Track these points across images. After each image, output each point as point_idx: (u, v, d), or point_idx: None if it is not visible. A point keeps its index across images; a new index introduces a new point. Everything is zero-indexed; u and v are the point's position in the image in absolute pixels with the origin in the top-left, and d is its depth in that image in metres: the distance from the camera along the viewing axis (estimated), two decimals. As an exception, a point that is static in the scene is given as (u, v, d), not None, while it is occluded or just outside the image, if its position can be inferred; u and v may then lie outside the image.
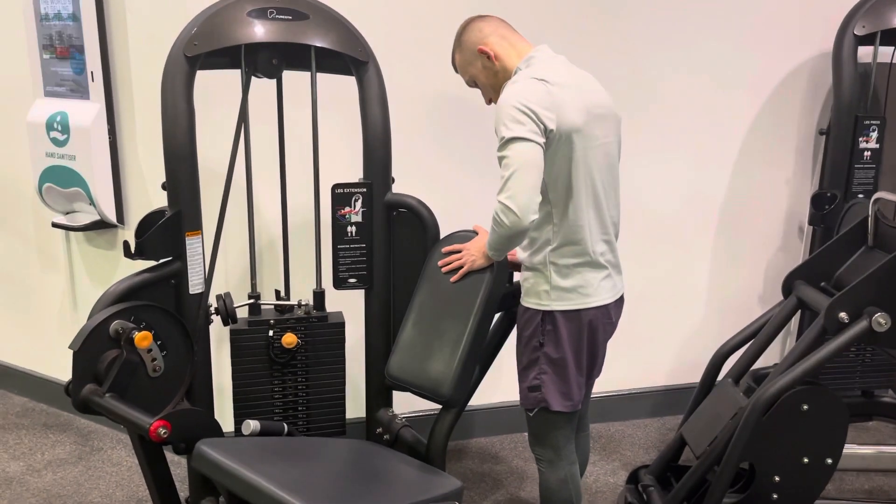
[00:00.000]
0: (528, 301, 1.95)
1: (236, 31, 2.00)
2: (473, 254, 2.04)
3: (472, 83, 2.04)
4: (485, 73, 1.98)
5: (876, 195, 2.40)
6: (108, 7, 2.53)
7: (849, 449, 2.63)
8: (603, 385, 3.12)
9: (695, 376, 3.16)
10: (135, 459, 2.75)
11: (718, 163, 3.04)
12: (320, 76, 2.15)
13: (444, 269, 2.09)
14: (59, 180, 2.68)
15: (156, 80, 2.40)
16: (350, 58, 2.10)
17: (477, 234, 2.09)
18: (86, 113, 2.58)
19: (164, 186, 2.05)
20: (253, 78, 2.12)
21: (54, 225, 2.75)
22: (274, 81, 2.18)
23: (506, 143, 1.75)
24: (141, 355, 1.88)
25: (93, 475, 2.68)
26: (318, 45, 2.06)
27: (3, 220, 3.06)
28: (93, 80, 2.57)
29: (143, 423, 1.68)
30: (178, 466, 2.43)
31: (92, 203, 2.64)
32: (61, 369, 3.05)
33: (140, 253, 1.97)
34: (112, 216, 2.67)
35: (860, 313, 2.21)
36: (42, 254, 3.01)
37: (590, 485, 2.68)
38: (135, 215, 2.71)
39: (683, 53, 2.88)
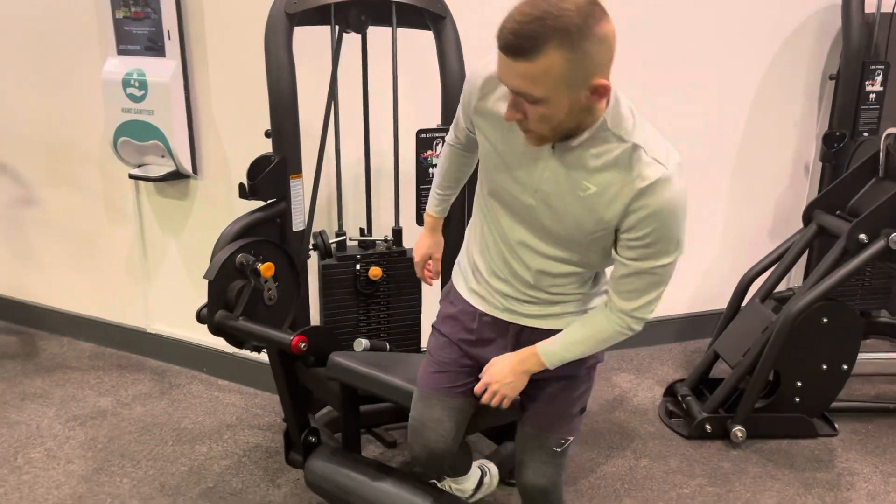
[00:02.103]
0: None
1: (332, -10, 2.20)
2: (505, 381, 1.64)
3: (530, 100, 1.34)
4: (569, 110, 1.35)
5: (888, 131, 2.71)
6: (181, -31, 2.69)
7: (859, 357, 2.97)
8: (632, 314, 3.43)
9: (713, 304, 3.51)
10: (212, 392, 3.01)
11: (735, 107, 3.32)
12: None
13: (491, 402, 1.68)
14: (136, 134, 2.85)
15: (228, 38, 2.63)
16: (429, 13, 2.31)
17: None
18: (163, 70, 2.74)
19: (267, 134, 2.27)
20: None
21: (131, 177, 2.92)
22: (358, 38, 2.38)
23: (675, 257, 1.47)
24: (262, 285, 2.11)
25: (179, 406, 2.91)
26: (403, 0, 2.27)
27: (69, 175, 3.22)
28: (169, 39, 2.73)
29: (285, 338, 1.93)
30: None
31: (170, 155, 2.82)
32: (129, 315, 3.28)
33: (253, 194, 2.19)
34: (189, 168, 2.86)
35: (878, 234, 2.53)
36: (109, 206, 3.19)
37: (630, 399, 3.00)
38: (208, 166, 2.90)
39: (704, 5, 3.12)
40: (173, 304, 3.18)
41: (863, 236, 2.54)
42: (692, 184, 3.29)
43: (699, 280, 3.50)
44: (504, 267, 1.64)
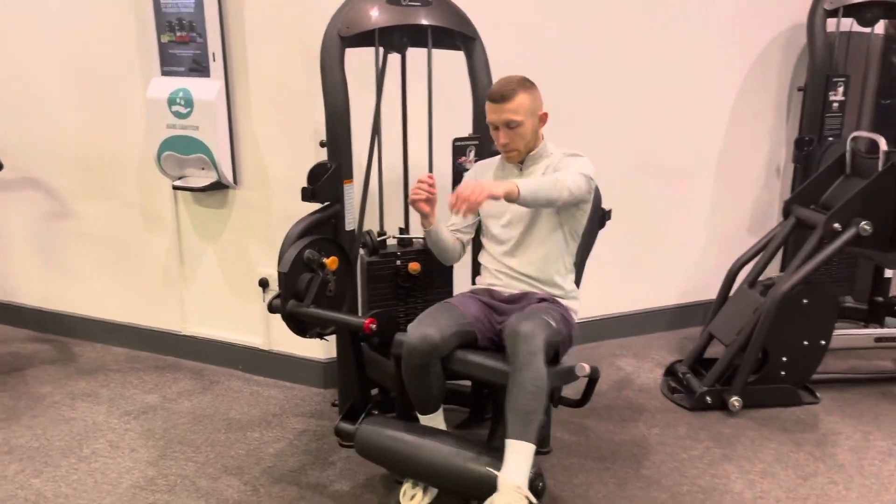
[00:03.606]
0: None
1: (379, 15, 2.49)
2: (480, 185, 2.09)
3: (511, 125, 2.28)
4: (531, 131, 2.33)
5: (853, 134, 3.11)
6: (226, -1, 2.96)
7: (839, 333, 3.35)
8: (626, 305, 3.78)
9: (701, 295, 3.87)
10: (251, 387, 3.24)
11: (716, 116, 3.71)
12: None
13: (456, 206, 2.08)
14: (180, 148, 3.08)
15: (269, 59, 2.92)
16: (462, 35, 2.62)
17: None
18: (209, 89, 3.00)
19: (322, 144, 2.54)
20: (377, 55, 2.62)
21: (175, 188, 3.16)
22: (398, 58, 2.68)
23: (585, 159, 2.34)
24: (327, 277, 2.38)
25: (224, 400, 3.13)
26: (441, 25, 2.57)
27: (108, 189, 3.43)
28: (214, 60, 2.99)
29: (358, 321, 2.19)
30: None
31: (214, 167, 3.06)
32: (165, 319, 3.50)
33: (314, 197, 2.46)
34: (230, 177, 3.11)
35: (850, 223, 2.90)
36: (147, 217, 3.41)
37: (634, 380, 3.32)
38: (248, 177, 3.15)
39: (686, 25, 3.51)
40: (209, 307, 3.40)
41: (837, 225, 2.91)
42: (680, 188, 3.69)
43: (687, 273, 3.86)
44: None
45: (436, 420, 2.29)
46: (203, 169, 3.13)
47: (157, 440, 2.81)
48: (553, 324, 2.18)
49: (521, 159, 2.38)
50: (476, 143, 2.68)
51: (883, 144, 2.92)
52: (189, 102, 3.02)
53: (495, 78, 2.70)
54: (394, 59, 2.70)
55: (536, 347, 2.03)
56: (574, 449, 2.75)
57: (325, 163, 2.52)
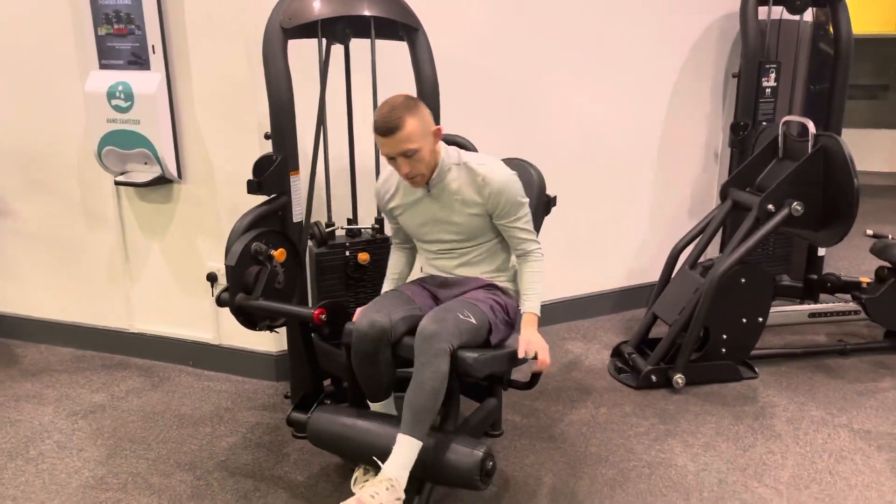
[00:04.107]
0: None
1: (322, 6, 2.49)
2: (539, 344, 2.26)
3: (408, 154, 2.14)
4: (429, 151, 2.20)
5: (784, 118, 3.23)
6: (163, -11, 2.92)
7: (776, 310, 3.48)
8: (573, 290, 3.87)
9: (644, 277, 3.98)
10: (203, 382, 3.22)
11: (656, 103, 3.80)
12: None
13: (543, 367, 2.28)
14: (122, 143, 3.03)
15: (211, 51, 2.89)
16: (404, 26, 2.64)
17: None
18: (149, 82, 2.95)
19: (267, 136, 2.53)
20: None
21: (117, 183, 3.11)
22: (342, 49, 2.69)
23: (527, 205, 2.35)
24: (275, 269, 2.38)
25: (174, 396, 3.11)
26: (383, 16, 2.59)
27: (47, 186, 3.36)
28: (153, 53, 2.94)
29: (307, 311, 2.21)
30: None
31: (158, 162, 3.02)
32: (111, 317, 3.45)
33: (261, 189, 2.46)
34: (174, 172, 3.07)
35: (782, 204, 3.02)
36: (89, 214, 3.34)
37: (583, 362, 3.41)
38: (192, 171, 3.11)
39: (624, 16, 3.59)
40: (157, 303, 3.36)
41: (770, 206, 3.03)
42: (622, 174, 3.78)
43: (631, 257, 3.96)
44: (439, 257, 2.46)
45: (387, 407, 2.32)
46: (146, 164, 3.09)
47: (107, 439, 2.78)
48: (472, 319, 2.17)
49: (427, 181, 2.28)
50: (421, 132, 2.70)
51: (812, 128, 3.04)
52: (129, 96, 2.97)
53: (441, 67, 2.74)
54: (339, 49, 2.71)
55: (439, 349, 2.06)
56: (525, 430, 2.82)
57: (270, 155, 2.52)
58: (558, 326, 3.80)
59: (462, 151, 2.34)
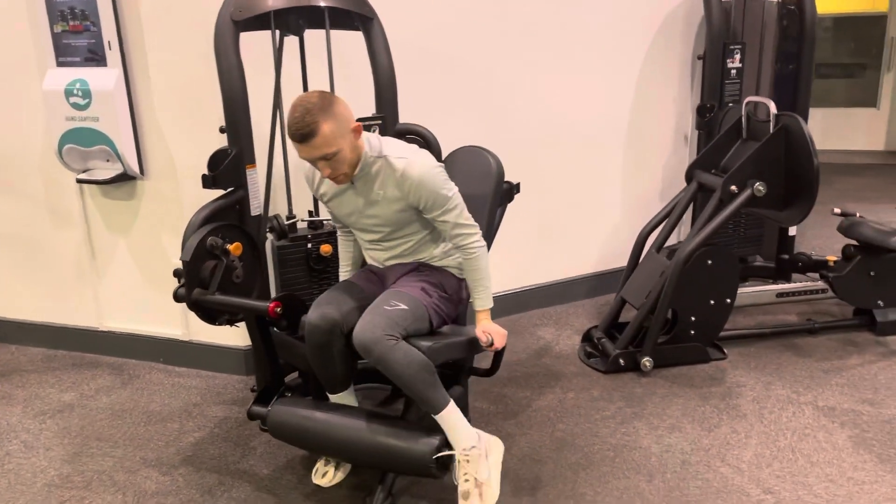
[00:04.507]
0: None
1: (272, -2, 2.48)
2: (495, 330, 2.28)
3: (329, 157, 2.07)
4: (350, 149, 2.11)
5: (747, 99, 3.23)
6: (117, -17, 2.89)
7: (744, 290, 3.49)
8: (545, 276, 3.87)
9: (618, 262, 3.99)
10: (173, 378, 3.22)
11: (623, 87, 3.80)
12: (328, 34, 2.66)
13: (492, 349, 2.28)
14: (82, 141, 3.02)
15: (168, 46, 2.86)
16: (359, 15, 2.62)
17: None
18: (106, 78, 2.93)
19: (221, 130, 2.52)
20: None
21: (79, 181, 3.09)
22: (297, 40, 2.67)
23: (455, 196, 2.23)
24: (232, 263, 2.37)
25: (144, 393, 3.10)
26: (335, 6, 2.57)
27: (10, 185, 3.34)
28: (110, 49, 2.92)
29: (262, 305, 2.20)
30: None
31: (118, 159, 3.01)
32: (80, 316, 3.44)
33: (215, 184, 2.44)
34: (136, 168, 3.05)
35: (745, 185, 3.03)
36: (53, 212, 3.32)
37: (553, 347, 3.41)
38: (155, 167, 3.10)
39: (585, 2, 3.58)
40: (125, 301, 3.35)
41: (733, 188, 3.04)
42: (591, 159, 3.78)
43: (603, 242, 3.97)
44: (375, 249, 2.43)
45: (346, 398, 2.32)
46: (108, 161, 3.07)
47: (74, 438, 2.78)
48: (401, 306, 2.14)
49: (351, 179, 2.21)
50: (379, 122, 2.69)
51: (773, 108, 3.04)
52: (87, 93, 2.95)
53: (399, 56, 2.73)
54: (294, 40, 2.69)
55: (383, 350, 2.05)
56: (492, 417, 2.82)
57: (225, 149, 2.50)
58: (532, 313, 3.81)
59: (384, 141, 2.25)
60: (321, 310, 2.17)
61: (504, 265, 3.70)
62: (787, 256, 3.92)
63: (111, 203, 3.23)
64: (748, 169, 3.02)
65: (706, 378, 3.08)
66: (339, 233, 2.61)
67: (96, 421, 2.90)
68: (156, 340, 3.34)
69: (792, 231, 3.92)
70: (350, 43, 2.74)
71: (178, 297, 2.34)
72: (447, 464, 2.06)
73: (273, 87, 2.61)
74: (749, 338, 3.41)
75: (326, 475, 2.25)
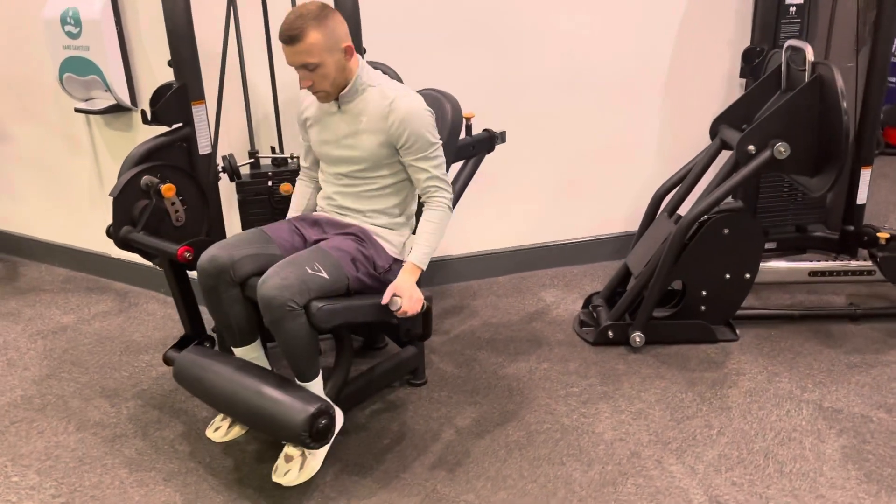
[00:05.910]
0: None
1: (219, -78, 2.32)
2: (409, 293, 2.10)
3: (309, 67, 2.03)
4: (335, 68, 2.07)
5: (787, 42, 2.75)
6: None
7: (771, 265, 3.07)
8: (563, 234, 3.58)
9: (648, 221, 3.58)
10: (166, 310, 3.26)
11: (663, 27, 3.35)
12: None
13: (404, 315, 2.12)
14: (78, 70, 3.04)
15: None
16: (319, -58, 2.42)
17: None
18: (94, 6, 2.91)
19: (170, 63, 2.43)
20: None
21: (77, 110, 3.14)
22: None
23: (438, 147, 2.17)
24: (166, 205, 2.32)
25: (133, 322, 3.18)
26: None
27: (29, 110, 3.45)
28: (98, -24, 2.89)
29: (172, 248, 2.14)
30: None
31: (108, 89, 3.01)
32: (94, 241, 3.53)
33: (155, 120, 2.37)
34: (126, 100, 3.05)
35: (766, 145, 2.60)
36: (67, 139, 3.41)
37: (551, 312, 3.16)
38: (147, 98, 3.07)
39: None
40: (130, 230, 3.42)
41: (751, 147, 2.61)
42: (622, 104, 3.39)
43: (635, 199, 3.60)
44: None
45: (251, 353, 2.22)
46: (106, 91, 3.08)
47: (53, 360, 2.89)
48: (322, 274, 2.01)
49: (334, 98, 2.16)
50: (339, 59, 2.50)
51: (809, 54, 2.56)
52: (78, 21, 2.95)
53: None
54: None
55: (283, 312, 1.94)
56: (450, 382, 2.66)
57: (170, 83, 2.42)
58: (543, 273, 3.54)
59: (385, 78, 2.22)
60: (211, 252, 2.09)
61: (512, 220, 3.46)
62: (852, 228, 3.40)
63: (113, 133, 3.27)
64: (771, 126, 2.58)
65: (703, 361, 2.74)
66: (300, 174, 2.49)
67: (80, 345, 3.00)
68: (158, 271, 3.38)
69: (860, 198, 3.38)
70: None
71: (108, 234, 2.32)
72: (324, 432, 1.93)
73: (230, 17, 2.47)
74: (774, 319, 3.00)
75: (219, 430, 2.19)
